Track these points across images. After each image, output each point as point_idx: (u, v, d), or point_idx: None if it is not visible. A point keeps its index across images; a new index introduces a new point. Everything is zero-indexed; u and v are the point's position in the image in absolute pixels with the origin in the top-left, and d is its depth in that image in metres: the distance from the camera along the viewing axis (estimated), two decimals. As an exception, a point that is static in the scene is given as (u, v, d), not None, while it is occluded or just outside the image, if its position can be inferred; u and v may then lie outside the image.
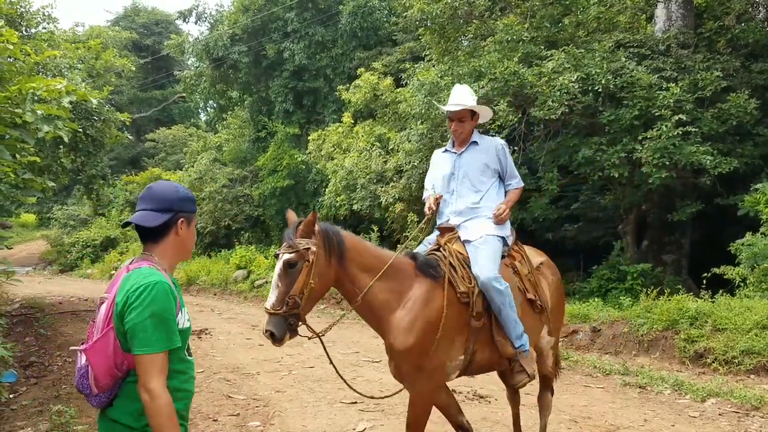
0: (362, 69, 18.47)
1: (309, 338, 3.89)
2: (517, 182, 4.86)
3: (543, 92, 10.92)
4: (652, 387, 7.59)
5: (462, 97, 4.65)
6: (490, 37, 13.13)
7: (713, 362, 8.14)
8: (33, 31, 14.31)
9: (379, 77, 17.67)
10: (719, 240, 11.24)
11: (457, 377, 4.23)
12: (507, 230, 4.60)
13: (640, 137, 10.44)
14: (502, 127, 11.60)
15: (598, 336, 9.82)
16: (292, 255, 3.68)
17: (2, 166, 5.69)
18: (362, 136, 17.72)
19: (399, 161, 15.08)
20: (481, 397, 7.08)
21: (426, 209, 4.66)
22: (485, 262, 4.19)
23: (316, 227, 3.81)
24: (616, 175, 10.69)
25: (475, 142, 4.70)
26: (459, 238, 4.44)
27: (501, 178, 4.80)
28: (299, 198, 21.66)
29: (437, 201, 4.64)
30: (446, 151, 4.89)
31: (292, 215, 3.99)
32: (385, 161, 16.03)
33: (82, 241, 30.67)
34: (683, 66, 11.52)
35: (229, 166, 25.19)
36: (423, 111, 13.08)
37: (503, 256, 4.48)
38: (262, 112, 25.20)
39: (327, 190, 18.30)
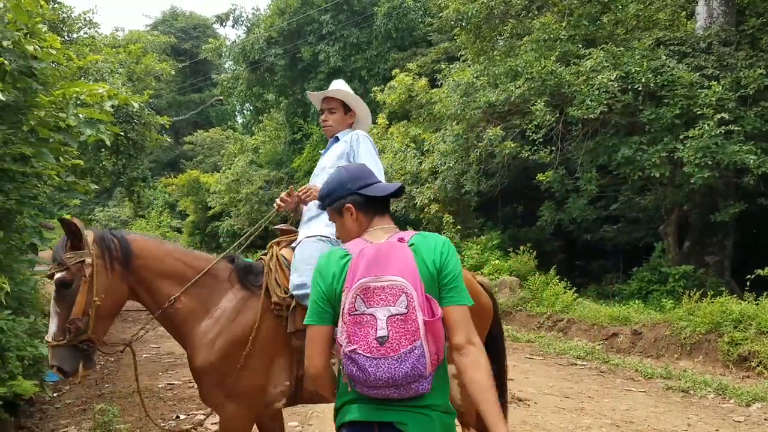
0: (397, 70, 18.45)
1: (122, 350, 3.53)
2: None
3: (581, 91, 10.79)
4: (695, 391, 7.42)
5: (336, 86, 4.12)
6: (527, 36, 13.02)
7: (758, 366, 7.93)
8: (75, 36, 14.61)
9: (413, 78, 17.63)
10: (763, 241, 10.99)
11: (285, 406, 3.55)
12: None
13: (681, 136, 10.23)
14: (539, 127, 11.48)
15: (639, 339, 9.64)
16: (63, 273, 3.15)
17: (46, 169, 5.81)
18: (397, 137, 17.70)
19: (434, 162, 15.03)
20: (520, 399, 6.99)
21: (278, 202, 3.96)
22: (298, 265, 3.54)
23: (90, 236, 3.29)
24: (657, 175, 10.50)
25: (337, 138, 4.06)
26: (294, 241, 3.83)
27: None
28: (335, 199, 21.73)
29: (290, 192, 3.94)
30: (321, 153, 4.30)
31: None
32: (420, 162, 15.99)
33: (123, 242, 31.17)
34: (725, 64, 11.26)
35: (266, 168, 25.42)
36: (458, 111, 13.01)
37: None
38: (297, 114, 25.39)
39: (362, 191, 18.27)
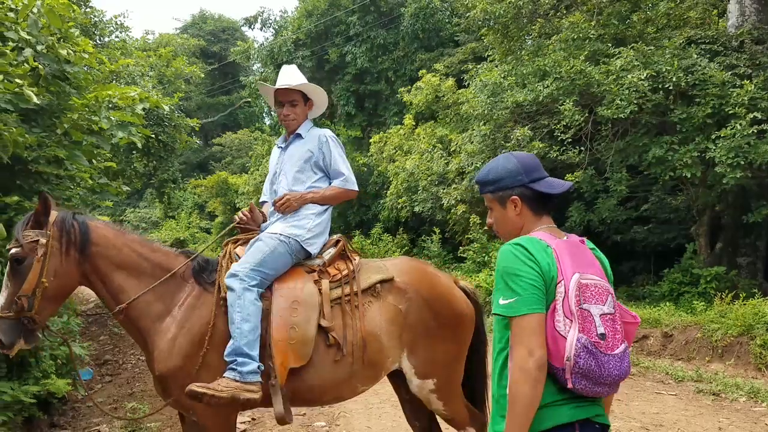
0: (424, 71, 18.46)
1: (60, 343, 3.52)
2: (341, 181, 3.87)
3: (611, 91, 10.69)
4: (726, 394, 7.29)
5: (291, 76, 3.89)
6: (555, 36, 12.92)
7: (792, 369, 7.78)
8: (106, 39, 14.89)
9: (440, 78, 17.62)
10: (798, 242, 10.75)
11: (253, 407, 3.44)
12: (304, 231, 3.69)
13: (713, 136, 10.06)
14: (568, 127, 11.39)
15: (669, 341, 9.50)
16: (18, 249, 3.20)
17: (80, 171, 5.92)
18: (424, 137, 17.69)
19: (461, 163, 14.98)
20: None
21: (235, 216, 3.97)
22: (242, 258, 3.49)
23: (52, 216, 3.29)
24: (689, 176, 10.35)
25: (299, 135, 3.92)
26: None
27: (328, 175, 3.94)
28: (360, 200, 21.78)
29: (251, 209, 3.94)
30: (277, 146, 4.13)
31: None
32: (447, 163, 15.96)
33: (154, 243, 31.64)
34: (758, 62, 11.04)
35: (293, 168, 25.54)
36: (486, 112, 12.96)
37: (312, 270, 3.66)
38: (324, 116, 25.49)
39: (388, 192, 18.35)
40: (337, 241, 3.81)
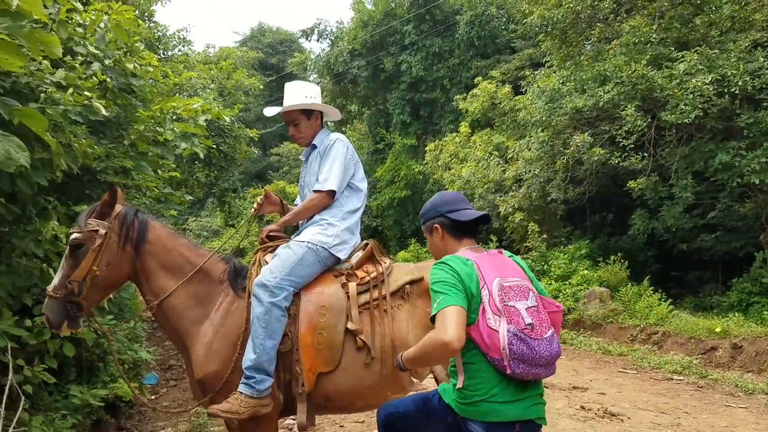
0: (479, 78, 18.35)
1: (98, 335, 3.52)
2: (317, 186, 3.76)
3: (674, 95, 10.44)
4: (801, 409, 6.97)
5: (289, 96, 3.88)
6: (616, 40, 12.69)
7: None
8: (170, 53, 15.32)
9: (497, 85, 17.48)
10: None
11: (275, 413, 3.42)
12: (331, 238, 3.66)
13: (783, 141, 9.69)
14: (630, 133, 11.15)
15: (739, 353, 9.15)
16: (79, 235, 3.32)
17: (146, 181, 6.08)
18: (480, 145, 17.56)
19: (518, 170, 14.82)
20: (613, 414, 6.75)
21: (254, 205, 4.05)
22: (269, 266, 3.48)
23: (116, 209, 3.40)
24: (757, 182, 9.99)
25: (314, 146, 3.91)
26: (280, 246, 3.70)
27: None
28: (416, 208, 21.74)
29: (266, 194, 4.04)
30: (301, 160, 4.16)
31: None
32: (504, 170, 15.79)
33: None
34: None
35: (349, 177, 25.75)
36: (544, 118, 12.81)
37: (340, 274, 3.65)
38: (380, 125, 25.64)
39: (445, 200, 18.23)
40: (366, 245, 3.78)
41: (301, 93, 3.88)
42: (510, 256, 2.76)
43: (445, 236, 2.79)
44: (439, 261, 2.64)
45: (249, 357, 3.28)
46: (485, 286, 2.49)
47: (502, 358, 2.40)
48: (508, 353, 2.38)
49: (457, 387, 2.54)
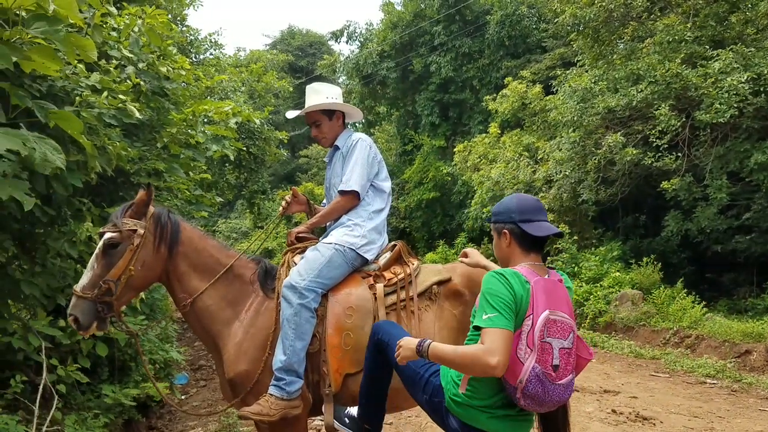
0: (509, 78, 18.22)
1: (128, 335, 3.44)
2: (343, 185, 3.74)
3: (709, 94, 10.28)
4: (841, 415, 6.79)
5: (310, 97, 3.91)
6: (649, 39, 12.53)
7: None
8: (201, 57, 15.48)
9: (527, 85, 17.34)
10: None
11: (304, 413, 3.43)
12: (358, 239, 3.65)
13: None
14: (664, 133, 10.99)
15: (776, 357, 8.95)
16: (115, 234, 3.27)
17: (178, 183, 6.15)
18: (509, 146, 17.44)
19: (549, 171, 14.68)
20: (645, 418, 6.64)
21: (281, 206, 4.04)
22: (298, 268, 3.48)
23: (150, 209, 3.40)
24: (795, 182, 9.78)
25: (337, 147, 3.92)
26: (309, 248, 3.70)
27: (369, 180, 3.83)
28: (445, 210, 21.71)
29: (293, 194, 4.03)
30: (325, 162, 4.16)
31: (140, 194, 3.47)
32: (534, 171, 15.66)
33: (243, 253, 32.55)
34: None
35: (378, 179, 25.79)
36: (575, 118, 12.68)
37: (368, 275, 3.63)
38: (408, 126, 25.61)
39: (473, 201, 18.19)
40: (394, 246, 3.76)
41: (322, 94, 3.88)
42: (568, 288, 2.67)
43: (513, 244, 2.68)
44: (500, 272, 2.53)
45: (279, 358, 3.29)
46: (531, 316, 2.42)
47: (516, 387, 2.41)
48: (522, 387, 2.39)
49: (461, 392, 2.57)
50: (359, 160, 3.73)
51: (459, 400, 2.59)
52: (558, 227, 11.84)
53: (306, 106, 3.88)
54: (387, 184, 3.91)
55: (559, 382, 2.41)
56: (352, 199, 3.73)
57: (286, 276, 3.48)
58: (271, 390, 3.27)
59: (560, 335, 2.44)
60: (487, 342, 2.36)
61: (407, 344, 2.66)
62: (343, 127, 3.99)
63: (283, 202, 4.02)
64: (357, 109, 4.11)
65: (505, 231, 2.68)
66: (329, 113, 3.90)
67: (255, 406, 3.26)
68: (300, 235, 3.88)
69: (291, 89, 23.29)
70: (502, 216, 2.71)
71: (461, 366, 2.46)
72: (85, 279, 3.25)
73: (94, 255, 3.30)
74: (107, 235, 3.28)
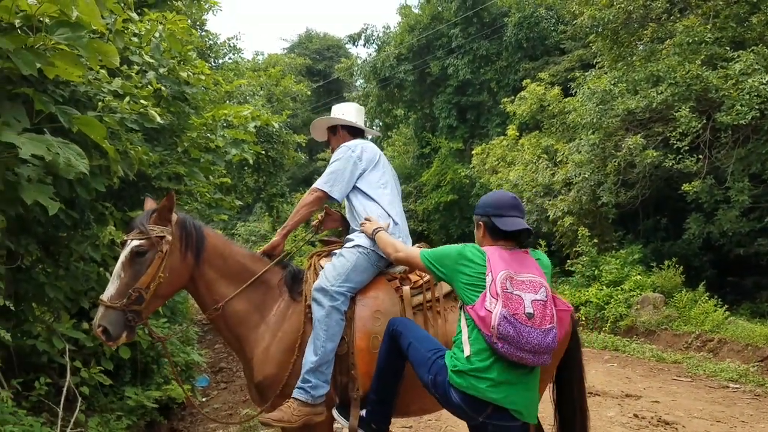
0: (528, 80, 18.12)
1: (154, 341, 3.46)
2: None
3: (730, 96, 10.18)
4: None
5: (324, 122, 4.19)
6: (669, 40, 12.43)
7: None
8: (221, 61, 15.59)
9: (545, 87, 17.24)
10: None
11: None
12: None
13: None
14: (684, 135, 10.89)
15: (800, 362, 8.82)
16: (143, 242, 3.22)
17: (198, 187, 6.20)
18: (528, 148, 17.35)
19: (568, 173, 14.59)
20: (667, 423, 6.57)
21: (313, 222, 4.17)
22: (325, 272, 3.53)
23: (174, 216, 3.37)
24: (819, 184, 9.64)
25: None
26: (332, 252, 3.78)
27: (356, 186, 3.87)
28: (463, 212, 21.63)
29: (326, 212, 4.14)
30: None
31: (150, 203, 3.50)
32: (553, 173, 15.57)
33: (262, 255, 32.72)
34: None
35: (395, 182, 25.81)
36: (595, 120, 12.60)
37: (393, 277, 3.69)
38: (426, 129, 25.58)
39: (492, 204, 18.09)
40: (418, 248, 3.73)
41: (333, 113, 4.13)
42: (537, 258, 3.02)
43: (486, 235, 3.03)
44: (459, 245, 3.00)
45: (310, 359, 3.31)
46: (490, 273, 2.79)
47: (491, 334, 2.68)
48: (495, 332, 2.66)
49: (465, 356, 2.79)
50: (332, 164, 3.83)
51: (460, 368, 2.79)
52: (578, 229, 11.66)
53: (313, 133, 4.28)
54: (381, 190, 3.87)
55: (538, 327, 2.68)
56: (313, 194, 3.77)
57: (314, 280, 3.53)
58: (296, 394, 3.29)
59: (530, 290, 2.76)
60: (407, 248, 3.29)
61: (371, 224, 3.53)
62: (353, 137, 4.07)
63: (316, 220, 4.12)
64: (355, 115, 4.14)
65: (480, 223, 3.05)
66: (332, 129, 4.15)
67: (276, 412, 3.27)
68: (323, 239, 4.02)
69: (309, 93, 23.37)
70: (479, 209, 3.07)
71: (383, 244, 3.35)
72: (112, 288, 3.18)
73: (119, 263, 3.23)
74: (135, 243, 3.22)
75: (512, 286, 2.75)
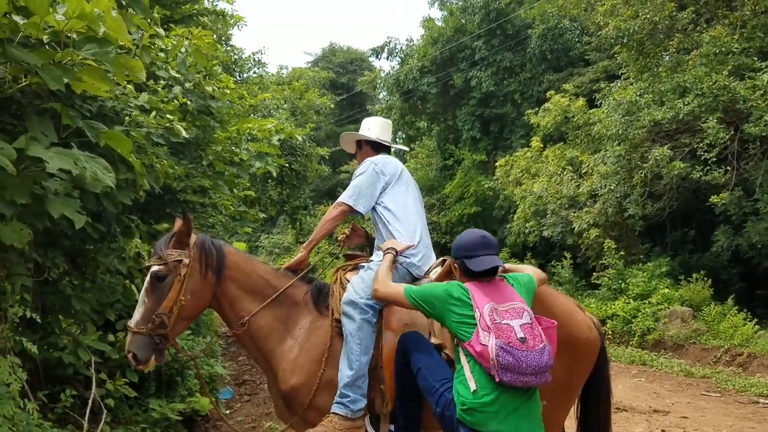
0: (552, 92, 18.02)
1: (183, 357, 3.47)
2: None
3: (758, 107, 10.07)
4: None
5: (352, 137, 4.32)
6: (695, 51, 12.29)
7: None
8: (245, 75, 15.73)
9: (570, 99, 17.13)
10: None
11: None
12: (408, 257, 3.69)
13: None
14: (712, 146, 10.75)
15: (836, 379, 8.60)
16: (161, 267, 3.30)
17: (222, 200, 6.24)
18: (552, 160, 17.23)
19: (593, 185, 14.46)
20: (697, 441, 6.46)
21: (339, 236, 4.25)
22: (353, 285, 3.54)
23: (192, 238, 3.43)
24: None
25: None
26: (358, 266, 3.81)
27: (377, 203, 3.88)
28: (487, 225, 21.49)
29: (353, 227, 4.20)
30: None
31: (178, 224, 3.50)
32: (578, 185, 15.43)
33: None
34: None
35: (418, 194, 25.78)
36: (620, 131, 12.50)
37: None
38: (449, 141, 25.55)
39: (515, 216, 18.02)
40: (444, 261, 3.70)
41: (360, 129, 4.25)
42: (512, 283, 3.12)
43: (461, 275, 3.15)
44: (445, 284, 3.12)
45: (346, 374, 3.32)
46: (477, 309, 2.90)
47: (491, 367, 2.75)
48: (496, 363, 2.74)
49: (472, 390, 2.84)
50: (356, 178, 3.87)
51: (469, 405, 2.83)
52: (604, 242, 11.52)
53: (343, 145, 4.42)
54: (405, 200, 3.89)
55: (533, 350, 2.77)
56: (338, 208, 3.79)
57: (340, 293, 3.56)
58: (335, 408, 3.29)
59: (515, 316, 2.87)
60: (392, 286, 3.24)
61: (386, 243, 3.62)
62: (377, 152, 4.11)
63: (342, 235, 4.17)
64: (380, 130, 4.21)
65: (455, 265, 3.20)
66: (358, 144, 4.26)
67: (318, 428, 3.29)
68: (347, 253, 4.05)
69: (332, 106, 23.47)
70: (453, 252, 3.21)
71: (376, 275, 3.36)
72: (137, 314, 3.29)
73: (143, 289, 3.34)
74: (153, 269, 3.31)
75: (499, 317, 2.85)
